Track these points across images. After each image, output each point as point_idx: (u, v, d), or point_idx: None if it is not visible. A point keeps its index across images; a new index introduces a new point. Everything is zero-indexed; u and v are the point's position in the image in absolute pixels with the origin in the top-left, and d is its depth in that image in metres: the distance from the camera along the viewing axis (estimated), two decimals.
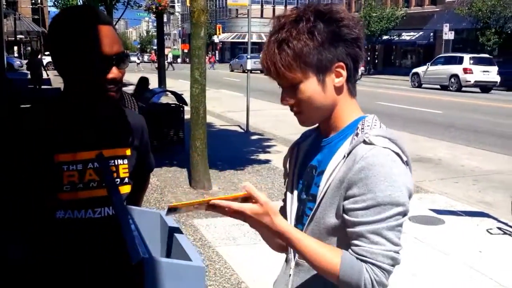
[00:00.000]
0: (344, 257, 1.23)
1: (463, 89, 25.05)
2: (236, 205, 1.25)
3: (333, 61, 1.29)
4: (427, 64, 28.07)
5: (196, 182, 6.65)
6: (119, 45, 1.48)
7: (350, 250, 1.25)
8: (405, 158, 1.28)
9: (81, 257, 1.51)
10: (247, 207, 1.25)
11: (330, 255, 1.24)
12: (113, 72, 1.46)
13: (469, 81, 24.76)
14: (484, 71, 24.85)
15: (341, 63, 1.30)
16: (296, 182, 1.48)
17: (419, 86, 27.55)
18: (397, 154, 1.26)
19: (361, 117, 1.37)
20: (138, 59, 50.22)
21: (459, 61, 25.56)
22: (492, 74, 24.95)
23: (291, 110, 1.37)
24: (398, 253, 1.24)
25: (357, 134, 1.31)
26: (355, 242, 1.24)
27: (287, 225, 1.29)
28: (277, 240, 1.43)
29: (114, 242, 1.48)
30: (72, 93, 1.51)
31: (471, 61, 25.12)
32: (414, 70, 28.95)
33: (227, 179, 7.35)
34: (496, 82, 25.08)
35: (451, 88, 25.48)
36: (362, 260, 1.22)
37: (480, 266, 4.54)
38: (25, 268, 1.50)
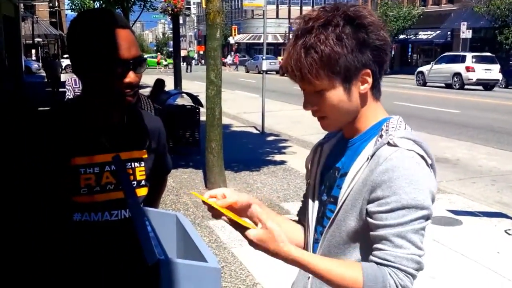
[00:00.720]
0: (366, 270, 1.20)
1: (466, 87, 25.61)
2: (241, 230, 1.23)
3: (360, 69, 1.27)
4: (432, 63, 28.68)
5: (212, 184, 6.67)
6: (136, 49, 1.48)
7: (372, 256, 1.23)
8: (429, 161, 1.26)
9: (98, 259, 1.53)
10: (252, 233, 1.22)
11: (350, 273, 1.21)
12: (130, 76, 1.45)
13: (471, 79, 25.30)
14: (486, 69, 25.37)
15: (368, 70, 1.28)
16: (318, 183, 1.46)
17: (424, 84, 28.10)
18: (422, 156, 1.24)
19: (386, 118, 1.35)
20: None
21: (462, 59, 26.20)
22: (494, 72, 25.47)
23: (314, 115, 1.36)
24: (421, 257, 1.22)
25: (381, 136, 1.29)
26: (379, 246, 1.22)
27: (297, 252, 1.24)
28: (293, 241, 1.41)
29: (131, 244, 1.49)
30: (90, 96, 1.52)
31: (473, 60, 25.74)
32: (419, 69, 29.43)
33: (243, 180, 7.36)
34: (498, 80, 25.79)
35: (454, 86, 25.98)
36: (386, 265, 1.20)
37: (498, 267, 4.48)
38: (40, 271, 1.51)
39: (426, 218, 1.22)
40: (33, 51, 37.35)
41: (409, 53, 43.80)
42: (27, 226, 1.50)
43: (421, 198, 1.20)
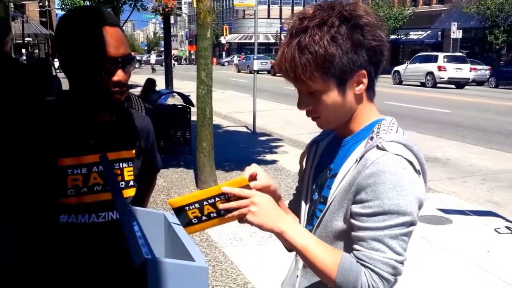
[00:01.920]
0: (343, 261, 1.20)
1: (438, 85, 26.67)
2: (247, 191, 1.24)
3: (355, 70, 1.25)
4: (407, 62, 29.96)
5: (203, 183, 6.66)
6: (125, 47, 1.46)
7: (351, 254, 1.23)
8: (418, 167, 1.25)
9: (84, 261, 1.51)
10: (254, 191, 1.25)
11: (329, 257, 1.22)
12: (119, 75, 1.43)
13: (443, 78, 26.48)
14: (457, 69, 26.52)
15: (363, 71, 1.26)
16: (310, 182, 1.46)
17: (400, 83, 29.21)
18: (410, 162, 1.22)
19: (378, 120, 1.34)
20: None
21: (434, 59, 27.41)
22: (464, 71, 26.66)
23: (308, 115, 1.34)
24: (401, 263, 1.20)
25: (371, 138, 1.28)
26: (356, 246, 1.22)
27: (287, 219, 1.27)
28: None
29: (118, 245, 1.47)
30: (77, 95, 1.49)
31: (445, 59, 26.99)
32: (396, 68, 30.42)
33: None
34: (469, 78, 27.04)
35: (427, 85, 27.16)
36: (361, 265, 1.19)
37: (488, 266, 4.51)
38: (21, 276, 1.49)
39: (409, 224, 1.20)
40: (23, 50, 37.06)
41: (400, 53, 43.96)
42: (12, 228, 1.48)
43: (404, 204, 1.19)
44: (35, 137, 1.46)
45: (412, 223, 1.21)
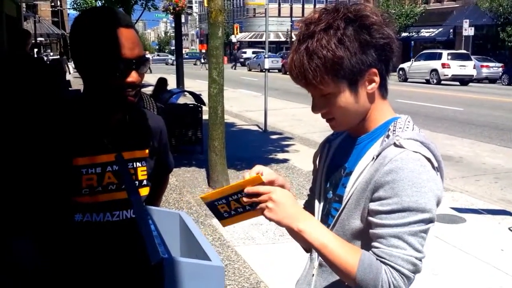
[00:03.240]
0: (363, 258, 1.20)
1: (442, 82, 26.89)
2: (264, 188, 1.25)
3: (365, 70, 1.26)
4: (412, 59, 30.24)
5: (215, 182, 6.67)
6: (139, 48, 1.47)
7: (370, 252, 1.23)
8: (436, 164, 1.25)
9: (99, 260, 1.52)
10: (277, 189, 1.25)
11: (348, 254, 1.21)
12: (133, 76, 1.44)
13: (447, 75, 26.69)
14: (461, 66, 26.62)
15: (374, 70, 1.27)
16: (324, 180, 1.46)
17: (405, 80, 29.32)
18: (428, 159, 1.23)
19: (393, 118, 1.34)
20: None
21: (439, 56, 27.64)
22: (468, 68, 26.66)
23: (323, 117, 1.35)
24: (420, 260, 1.21)
25: (388, 136, 1.28)
26: (375, 244, 1.22)
27: (306, 215, 1.27)
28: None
29: (133, 244, 1.48)
30: (91, 96, 1.51)
31: (449, 57, 27.16)
32: (401, 66, 30.55)
33: None
34: (473, 75, 26.93)
35: (431, 82, 27.38)
36: (381, 262, 1.19)
37: (502, 265, 4.47)
38: (41, 276, 1.51)
39: (428, 221, 1.21)
40: (36, 50, 37.34)
41: (411, 51, 43.72)
42: (25, 226, 1.50)
43: (423, 201, 1.19)
44: (51, 136, 1.47)
45: (430, 220, 1.22)
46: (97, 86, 1.47)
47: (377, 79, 1.28)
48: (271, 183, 1.29)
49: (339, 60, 1.22)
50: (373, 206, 1.24)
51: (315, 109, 1.33)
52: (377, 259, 1.20)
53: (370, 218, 1.24)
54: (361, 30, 1.24)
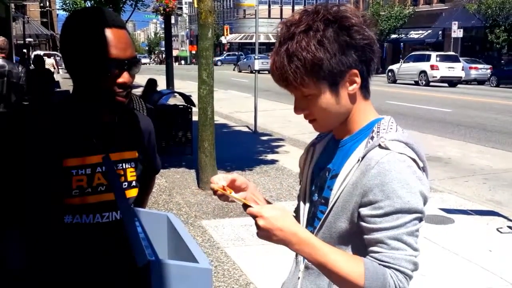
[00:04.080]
0: (367, 265, 1.19)
1: (431, 84, 27.14)
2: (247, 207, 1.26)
3: (346, 71, 1.26)
4: (401, 61, 30.54)
5: (204, 183, 6.66)
6: (132, 49, 1.47)
7: (369, 257, 1.22)
8: (421, 164, 1.26)
9: (88, 261, 1.51)
10: (266, 209, 1.23)
11: (354, 268, 1.19)
12: (124, 77, 1.44)
13: (436, 77, 26.95)
14: (449, 67, 26.88)
15: (355, 71, 1.27)
16: (309, 183, 1.46)
17: (394, 82, 29.63)
18: (414, 160, 1.24)
19: (377, 119, 1.34)
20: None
21: (427, 58, 27.91)
22: (456, 70, 26.94)
23: (305, 118, 1.35)
24: (417, 258, 1.22)
25: (372, 138, 1.29)
26: (375, 248, 1.22)
27: (306, 233, 1.24)
28: None
29: (121, 246, 1.48)
30: (82, 96, 1.50)
31: (438, 58, 27.39)
32: (390, 67, 31.03)
33: None
34: (461, 77, 27.19)
35: (420, 83, 27.65)
36: (385, 266, 1.19)
37: (490, 266, 4.50)
38: (26, 277, 1.49)
39: (420, 219, 1.23)
40: (24, 51, 37.09)
41: (401, 53, 43.97)
42: (13, 227, 1.48)
43: (414, 201, 1.20)
44: (41, 137, 1.46)
45: (421, 219, 1.24)
46: (88, 86, 1.46)
47: (358, 80, 1.28)
48: (232, 182, 1.39)
49: (318, 62, 1.23)
50: (365, 211, 1.23)
51: (297, 110, 1.34)
52: (379, 264, 1.20)
53: (363, 224, 1.24)
54: (341, 32, 1.24)
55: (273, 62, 1.28)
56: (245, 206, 1.27)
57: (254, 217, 1.23)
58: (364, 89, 1.33)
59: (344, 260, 1.21)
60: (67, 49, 1.47)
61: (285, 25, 1.29)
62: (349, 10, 1.28)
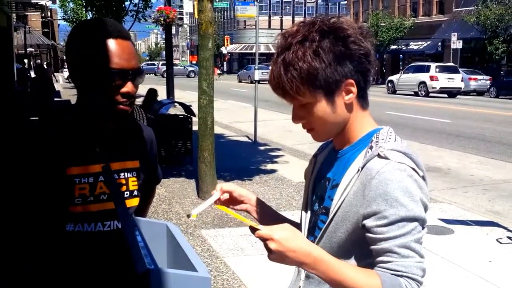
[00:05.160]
0: (383, 277, 1.20)
1: (431, 94, 27.29)
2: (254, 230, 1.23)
3: (342, 81, 1.28)
4: (400, 72, 30.69)
5: (204, 193, 6.66)
6: (136, 60, 1.50)
7: (379, 268, 1.22)
8: (421, 173, 1.27)
9: (89, 269, 1.52)
10: (277, 230, 1.21)
11: (368, 279, 1.20)
12: (128, 86, 1.47)
13: (435, 87, 27.12)
14: (449, 78, 27.08)
15: (351, 81, 1.29)
16: (310, 193, 1.48)
17: (394, 92, 29.71)
18: (413, 169, 1.25)
19: (376, 129, 1.36)
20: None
21: (427, 69, 28.04)
22: (456, 81, 27.14)
23: (303, 127, 1.37)
24: (424, 264, 1.24)
25: (371, 148, 1.30)
26: (385, 258, 1.22)
27: (318, 251, 1.22)
28: None
29: (123, 254, 1.48)
30: (85, 106, 1.52)
31: (437, 69, 27.57)
32: (390, 78, 31.24)
33: None
34: (460, 88, 27.38)
35: (420, 94, 27.72)
36: (398, 275, 1.20)
37: (490, 276, 4.50)
38: (30, 284, 1.50)
39: (423, 227, 1.25)
40: (26, 60, 37.22)
41: (401, 64, 44.10)
42: (20, 236, 1.49)
43: (417, 209, 1.22)
44: (45, 147, 1.48)
45: (424, 226, 1.26)
46: (92, 95, 1.48)
47: (354, 89, 1.30)
48: (230, 193, 1.42)
49: (314, 71, 1.25)
50: (370, 222, 1.23)
51: (295, 119, 1.36)
52: (392, 273, 1.20)
53: (370, 235, 1.24)
54: (336, 42, 1.27)
55: (271, 72, 1.31)
56: (252, 229, 1.22)
57: (264, 239, 1.21)
58: (362, 99, 1.35)
59: (359, 275, 1.21)
60: (72, 59, 1.49)
61: (283, 36, 1.31)
62: (345, 21, 1.31)
